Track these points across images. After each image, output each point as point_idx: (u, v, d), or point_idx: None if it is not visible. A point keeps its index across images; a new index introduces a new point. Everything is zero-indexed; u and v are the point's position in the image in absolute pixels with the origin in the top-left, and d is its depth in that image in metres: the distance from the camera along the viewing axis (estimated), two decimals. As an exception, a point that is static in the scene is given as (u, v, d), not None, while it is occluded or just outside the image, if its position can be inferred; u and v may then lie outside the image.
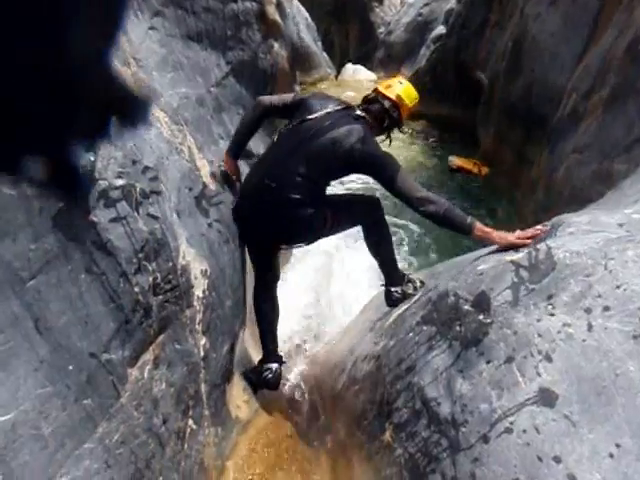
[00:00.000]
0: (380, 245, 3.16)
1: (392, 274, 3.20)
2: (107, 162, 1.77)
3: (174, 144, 2.51)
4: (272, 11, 3.62)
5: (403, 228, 7.60)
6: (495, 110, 9.53)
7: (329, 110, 2.83)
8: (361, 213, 3.06)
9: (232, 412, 2.71)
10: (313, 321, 4.80)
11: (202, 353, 2.36)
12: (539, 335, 1.77)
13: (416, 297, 2.91)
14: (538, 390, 1.66)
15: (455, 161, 10.05)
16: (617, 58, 5.91)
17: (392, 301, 3.18)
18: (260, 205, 2.83)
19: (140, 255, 1.87)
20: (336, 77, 18.74)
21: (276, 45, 3.73)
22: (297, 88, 4.32)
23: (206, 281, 2.41)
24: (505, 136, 9.10)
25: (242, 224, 2.93)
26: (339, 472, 2.69)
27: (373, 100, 2.96)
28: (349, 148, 2.67)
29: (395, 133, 3.09)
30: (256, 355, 3.71)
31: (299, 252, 5.34)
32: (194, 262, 2.30)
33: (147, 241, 1.91)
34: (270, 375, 3.15)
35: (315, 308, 4.89)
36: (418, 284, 3.14)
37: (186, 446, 2.12)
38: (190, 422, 2.19)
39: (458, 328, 2.17)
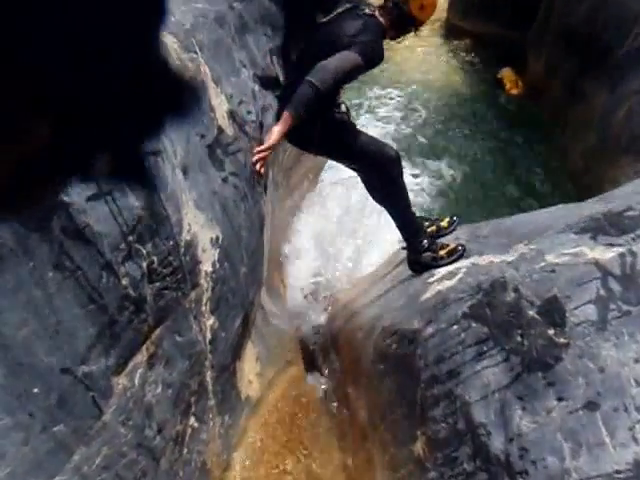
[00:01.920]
0: (391, 202, 2.83)
1: (409, 238, 2.85)
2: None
3: (184, 78, 2.03)
4: None
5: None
6: (550, 33, 8.58)
7: (339, 10, 2.63)
8: (366, 156, 2.71)
9: (242, 393, 2.41)
10: (332, 264, 4.45)
11: (209, 336, 2.01)
12: (638, 384, 1.37)
13: (460, 272, 2.50)
14: (633, 463, 1.28)
15: (504, 72, 9.41)
16: None
17: (411, 266, 2.87)
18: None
19: (130, 238, 1.47)
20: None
21: (317, -50, 3.08)
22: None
23: (217, 251, 2.02)
24: (558, 64, 8.22)
25: None
26: (357, 466, 2.41)
27: (397, 6, 2.64)
28: (344, 37, 2.46)
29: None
30: (276, 311, 3.40)
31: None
32: (202, 231, 1.90)
33: (140, 219, 1.50)
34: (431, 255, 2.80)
35: (334, 251, 4.52)
36: (443, 253, 2.74)
37: (185, 451, 1.82)
38: (192, 421, 1.88)
39: (519, 339, 1.77)
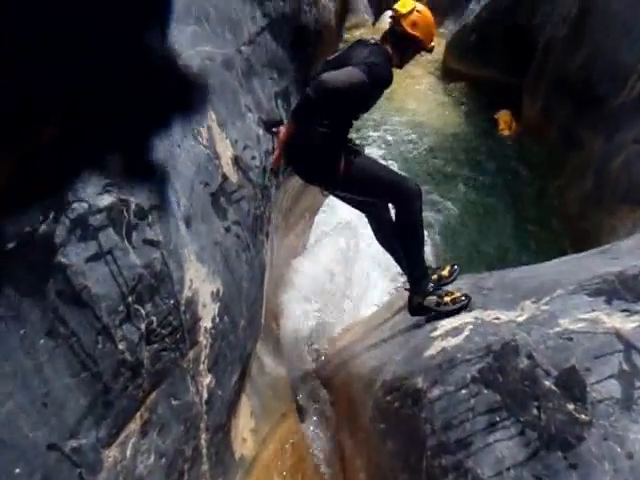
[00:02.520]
0: (407, 238, 2.77)
1: (415, 279, 2.79)
2: (89, 172, 1.25)
3: (190, 125, 1.96)
4: (323, -46, 2.97)
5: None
6: (546, 80, 8.71)
7: (349, 45, 2.74)
8: (390, 189, 2.70)
9: (236, 453, 2.27)
10: (328, 309, 4.35)
11: (205, 396, 1.89)
12: (673, 476, 1.28)
13: (467, 329, 2.42)
14: None
15: (501, 114, 9.59)
16: None
17: (412, 310, 2.81)
18: (293, 139, 2.54)
19: (130, 299, 1.37)
20: (374, 24, 17.60)
21: (324, -4, 3.09)
22: (341, 46, 3.69)
23: (217, 305, 1.92)
24: (553, 111, 8.32)
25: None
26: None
27: (392, 29, 2.75)
28: (352, 62, 2.51)
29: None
30: (270, 359, 3.28)
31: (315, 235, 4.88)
32: (203, 286, 1.80)
33: (141, 278, 1.41)
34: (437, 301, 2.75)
35: (330, 295, 4.42)
36: (448, 300, 2.68)
37: (176, 523, 1.69)
38: (183, 490, 1.75)
39: (535, 411, 1.67)
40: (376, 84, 2.56)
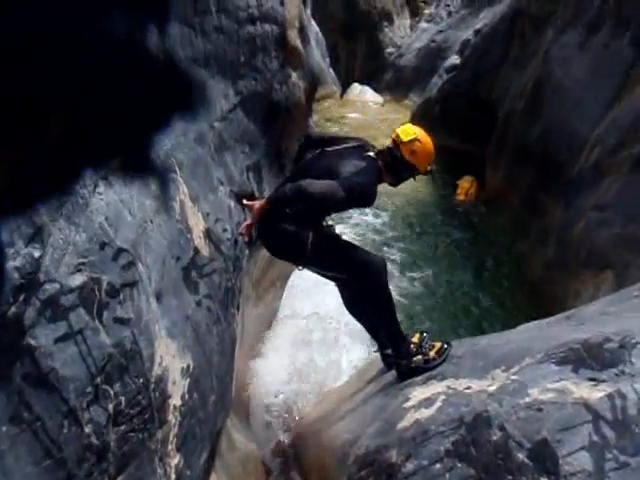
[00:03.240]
0: (379, 310, 2.86)
1: (397, 345, 2.86)
2: (61, 252, 1.25)
3: (163, 200, 1.99)
4: (293, 36, 3.13)
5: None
6: (507, 150, 9.11)
7: (347, 145, 2.87)
8: (356, 268, 2.77)
9: (204, 537, 2.17)
10: (299, 380, 4.27)
11: (173, 477, 1.82)
12: None
13: (439, 400, 2.41)
14: None
15: (462, 180, 9.92)
16: (653, 115, 5.51)
17: (403, 375, 2.84)
18: (266, 216, 2.64)
19: (98, 379, 1.35)
20: (341, 96, 18.27)
21: (294, 75, 3.23)
22: (311, 122, 3.83)
23: (187, 381, 1.89)
24: (515, 179, 8.67)
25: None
26: None
27: (393, 152, 2.85)
28: (341, 173, 2.61)
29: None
30: (241, 435, 3.19)
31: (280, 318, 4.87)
32: (173, 362, 1.78)
33: (110, 357, 1.39)
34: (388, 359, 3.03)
35: (302, 365, 4.36)
36: (433, 354, 2.77)
37: None
38: None
39: (511, 486, 1.67)
40: (353, 203, 2.69)
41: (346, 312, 3.37)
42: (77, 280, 1.28)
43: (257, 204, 2.53)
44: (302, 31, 3.24)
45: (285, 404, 4.03)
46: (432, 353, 2.77)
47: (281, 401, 4.02)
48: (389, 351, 3.03)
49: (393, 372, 3.11)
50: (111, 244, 1.44)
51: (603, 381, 1.80)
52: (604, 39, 6.91)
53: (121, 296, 1.45)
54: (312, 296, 5.42)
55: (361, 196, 2.62)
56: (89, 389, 1.31)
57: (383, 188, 2.96)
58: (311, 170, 2.70)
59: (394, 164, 2.83)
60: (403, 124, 3.14)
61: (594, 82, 6.83)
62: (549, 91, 7.66)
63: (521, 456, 1.69)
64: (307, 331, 4.82)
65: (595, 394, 1.70)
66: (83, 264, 1.31)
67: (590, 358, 1.99)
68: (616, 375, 1.80)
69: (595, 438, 1.56)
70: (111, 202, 1.56)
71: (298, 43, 3.20)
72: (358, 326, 4.28)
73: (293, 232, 2.61)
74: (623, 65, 6.49)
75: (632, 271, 4.54)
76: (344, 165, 2.65)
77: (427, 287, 6.98)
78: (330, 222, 2.80)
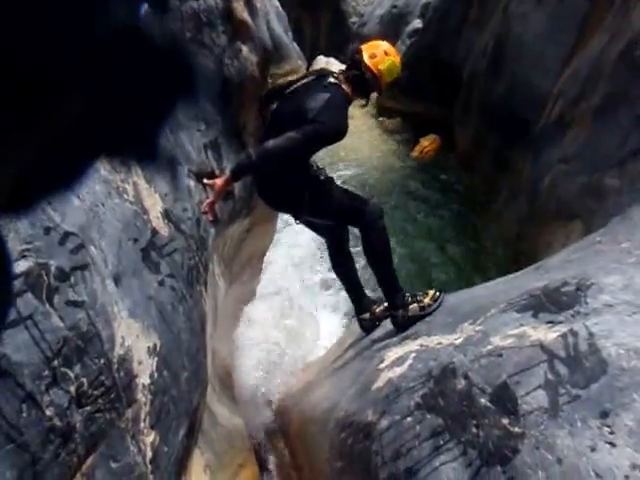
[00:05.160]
0: (376, 255, 2.84)
1: (391, 294, 2.86)
2: (2, 239, 1.25)
3: (114, 183, 1.98)
4: (240, 9, 3.09)
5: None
6: (474, 111, 9.13)
7: (305, 81, 2.78)
8: (354, 213, 2.80)
9: (188, 512, 2.21)
10: (281, 353, 4.32)
11: (150, 454, 1.85)
12: (597, 476, 1.34)
13: (410, 357, 2.46)
14: None
15: (424, 139, 10.01)
16: (609, 64, 5.53)
17: (400, 325, 2.83)
18: (259, 175, 2.69)
19: (55, 362, 1.36)
20: (307, 69, 18.13)
21: (245, 49, 3.19)
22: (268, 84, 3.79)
23: (155, 360, 1.91)
24: (484, 140, 8.72)
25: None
26: None
27: (355, 66, 2.79)
28: (308, 112, 2.54)
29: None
30: (225, 410, 3.23)
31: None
32: (138, 342, 1.79)
33: (66, 340, 1.40)
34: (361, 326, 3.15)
35: (282, 340, 4.41)
36: (427, 300, 2.80)
37: None
38: None
39: (474, 430, 1.72)
40: (322, 142, 2.63)
41: (324, 285, 3.42)
42: (22, 266, 1.28)
43: (218, 181, 2.44)
44: (249, 3, 3.19)
45: (267, 378, 4.08)
46: (427, 300, 2.79)
47: (263, 376, 4.07)
48: (366, 315, 3.10)
49: (371, 336, 3.16)
50: (56, 229, 1.44)
51: (560, 322, 1.85)
52: (560, -8, 6.92)
53: (72, 279, 1.45)
54: (289, 272, 5.46)
55: (328, 135, 2.58)
56: (46, 372, 1.32)
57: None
58: (278, 120, 2.66)
59: (360, 80, 2.77)
60: None
61: (552, 36, 6.85)
62: (510, 48, 7.67)
63: (483, 401, 1.74)
64: (286, 307, 4.86)
65: (550, 335, 1.76)
66: (27, 250, 1.30)
67: (549, 302, 2.04)
68: (572, 316, 1.85)
69: (550, 376, 1.61)
70: (55, 188, 1.55)
71: (246, 16, 3.15)
72: (335, 298, 4.33)
73: (289, 186, 2.65)
74: (579, 17, 6.51)
75: (597, 219, 4.61)
76: (309, 102, 2.58)
77: (405, 248, 7.04)
78: (319, 166, 2.80)
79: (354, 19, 19.97)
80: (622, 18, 5.60)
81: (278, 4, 16.89)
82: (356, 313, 3.21)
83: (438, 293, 2.83)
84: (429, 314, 2.76)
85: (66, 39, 1.78)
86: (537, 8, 7.07)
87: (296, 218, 2.90)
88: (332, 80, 2.72)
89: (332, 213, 2.83)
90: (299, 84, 2.76)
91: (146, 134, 2.43)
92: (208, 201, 2.46)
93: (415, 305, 2.78)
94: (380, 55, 2.79)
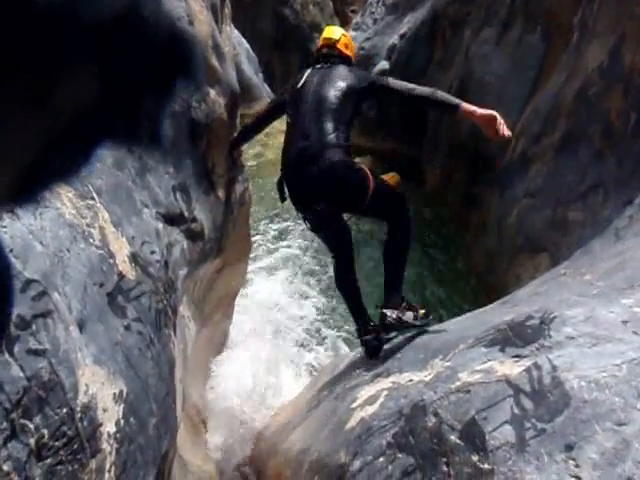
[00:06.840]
0: (394, 253, 3.07)
1: (392, 294, 2.99)
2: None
3: (79, 227, 1.97)
4: (209, 55, 3.15)
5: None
6: (441, 149, 9.39)
7: (310, 70, 3.23)
8: (399, 200, 3.13)
9: None
10: (254, 397, 4.26)
11: (114, 508, 1.79)
12: (565, 511, 1.35)
13: (382, 396, 2.46)
14: None
15: (388, 176, 10.08)
16: (567, 102, 5.78)
17: (384, 325, 2.94)
18: (308, 175, 2.91)
19: (14, 414, 1.32)
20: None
21: (212, 92, 3.24)
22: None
23: (121, 407, 1.86)
24: (452, 176, 8.93)
25: (296, 199, 3.07)
26: None
27: (330, 52, 3.34)
28: (354, 77, 3.06)
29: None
30: (193, 456, 3.15)
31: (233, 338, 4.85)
32: (103, 389, 1.75)
33: (26, 390, 1.36)
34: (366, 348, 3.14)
35: (257, 382, 4.35)
36: (420, 313, 2.97)
37: None
38: None
39: (445, 468, 1.72)
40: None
41: (299, 325, 3.44)
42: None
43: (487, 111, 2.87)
44: (217, 48, 3.26)
45: (242, 422, 4.02)
46: (422, 312, 2.96)
47: (237, 419, 4.00)
48: (369, 337, 3.13)
49: (344, 374, 3.15)
50: (18, 276, 1.42)
51: (525, 356, 1.88)
52: (518, 34, 7.25)
53: (34, 327, 1.42)
54: (262, 314, 5.44)
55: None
56: (4, 425, 1.28)
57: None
58: (324, 96, 2.98)
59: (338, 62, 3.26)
60: None
61: (513, 76, 7.15)
62: (472, 88, 7.96)
63: (453, 437, 1.75)
64: (260, 348, 4.82)
65: (516, 369, 1.78)
66: (-14, 299, 1.28)
67: (515, 336, 2.08)
68: (537, 349, 1.88)
69: (516, 411, 1.63)
70: (17, 235, 1.54)
71: (214, 61, 3.22)
72: (307, 336, 4.30)
73: (354, 171, 2.96)
74: (537, 57, 6.81)
75: (563, 251, 4.74)
76: (343, 71, 3.10)
77: (370, 280, 7.07)
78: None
79: (323, 61, 20.53)
80: (576, 58, 5.87)
81: (249, 47, 17.23)
82: (358, 335, 3.25)
83: (429, 315, 3.00)
84: (420, 327, 2.89)
85: None
86: (497, 49, 7.39)
87: (353, 212, 3.18)
88: (334, 60, 3.25)
89: (390, 208, 3.07)
90: (308, 73, 3.19)
91: (112, 177, 2.43)
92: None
93: (411, 313, 2.90)
94: (349, 42, 3.42)
